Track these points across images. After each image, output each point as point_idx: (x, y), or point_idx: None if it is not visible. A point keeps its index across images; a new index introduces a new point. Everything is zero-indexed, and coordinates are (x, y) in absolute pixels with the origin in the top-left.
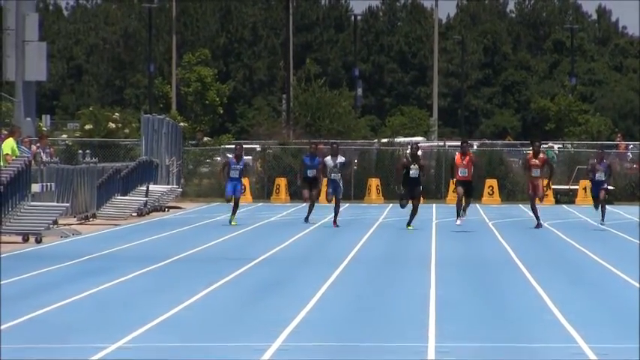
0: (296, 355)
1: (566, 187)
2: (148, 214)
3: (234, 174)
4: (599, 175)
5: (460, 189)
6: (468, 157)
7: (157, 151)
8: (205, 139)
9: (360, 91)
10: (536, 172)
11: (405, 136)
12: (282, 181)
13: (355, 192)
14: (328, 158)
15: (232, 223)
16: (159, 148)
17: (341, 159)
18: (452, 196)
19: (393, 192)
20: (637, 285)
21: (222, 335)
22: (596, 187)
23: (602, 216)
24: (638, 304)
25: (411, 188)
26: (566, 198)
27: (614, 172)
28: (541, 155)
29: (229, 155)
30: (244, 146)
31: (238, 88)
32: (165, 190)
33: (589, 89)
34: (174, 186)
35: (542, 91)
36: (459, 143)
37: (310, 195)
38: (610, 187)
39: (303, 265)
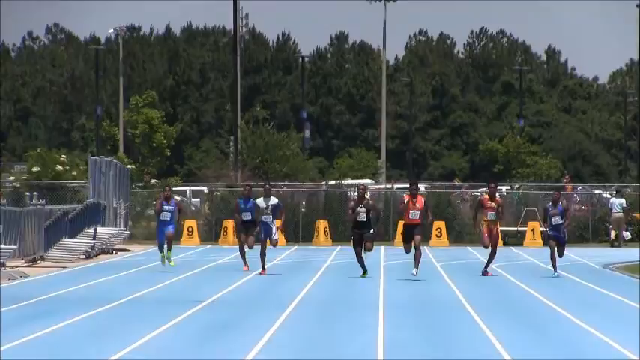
0: None
1: (514, 229)
2: (95, 256)
3: (165, 216)
4: (556, 220)
5: (407, 246)
6: (417, 199)
7: (104, 194)
8: (153, 181)
9: (307, 133)
10: (491, 216)
11: (353, 179)
12: (229, 224)
13: (303, 234)
14: (260, 200)
15: (171, 263)
16: (106, 191)
17: (273, 201)
18: (400, 238)
19: (342, 234)
20: (587, 328)
21: None
22: (554, 231)
23: (554, 266)
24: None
25: (359, 232)
26: (514, 240)
27: (569, 216)
28: (497, 197)
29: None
30: (192, 188)
31: (186, 130)
32: (112, 232)
33: (537, 130)
34: (122, 228)
35: (491, 132)
36: (407, 185)
37: (247, 240)
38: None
39: (252, 307)
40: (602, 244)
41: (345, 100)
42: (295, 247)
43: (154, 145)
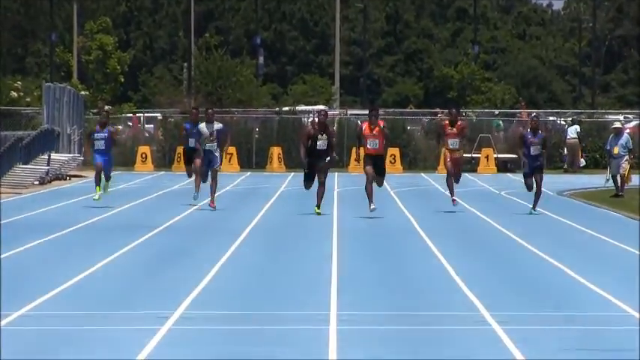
0: (198, 323)
1: (469, 155)
2: (49, 182)
3: (99, 145)
4: (535, 150)
5: (369, 169)
6: (377, 128)
7: (58, 120)
8: (106, 107)
9: (261, 59)
10: (454, 144)
11: (307, 105)
12: (182, 150)
13: (257, 160)
14: (202, 125)
15: (96, 197)
16: (60, 117)
17: (218, 126)
18: (354, 165)
19: (295, 160)
20: (539, 254)
21: (125, 304)
22: (532, 163)
23: (535, 202)
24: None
25: (315, 162)
26: (468, 167)
27: (545, 147)
28: (459, 123)
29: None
30: (146, 115)
31: (139, 56)
32: (66, 158)
33: (492, 57)
34: (76, 154)
35: (445, 59)
36: (360, 112)
37: (195, 168)
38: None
39: (205, 234)
40: (556, 171)
41: (299, 26)
42: (248, 173)
43: (108, 71)
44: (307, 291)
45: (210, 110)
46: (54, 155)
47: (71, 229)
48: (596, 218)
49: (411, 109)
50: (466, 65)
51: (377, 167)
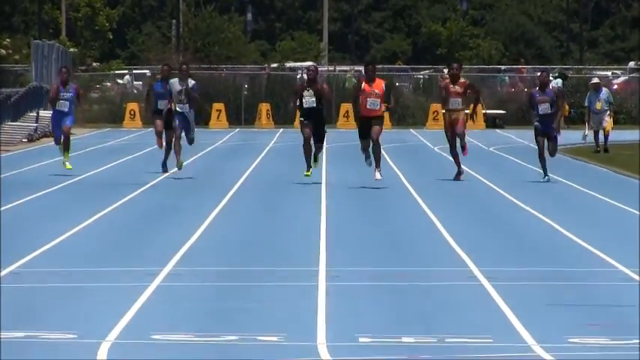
0: (187, 280)
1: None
2: (38, 139)
3: (62, 105)
4: (544, 108)
5: (365, 133)
6: (375, 84)
7: (47, 77)
8: (95, 64)
9: (249, 16)
10: (455, 103)
11: (296, 61)
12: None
13: (246, 117)
14: (175, 81)
15: (67, 166)
16: (49, 74)
17: (191, 83)
18: (343, 121)
19: (284, 117)
20: (526, 208)
21: (114, 260)
22: (543, 124)
23: (545, 169)
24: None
25: (308, 121)
26: None
27: (561, 103)
28: (462, 80)
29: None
30: (134, 72)
31: (128, 13)
32: None
33: (480, 13)
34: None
35: (433, 15)
36: (348, 67)
37: (168, 134)
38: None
39: (194, 190)
40: None
41: None
42: (237, 129)
43: (97, 28)
44: (296, 247)
45: (184, 66)
46: (42, 112)
47: (59, 186)
48: (585, 175)
49: (399, 65)
50: (454, 21)
51: (373, 127)
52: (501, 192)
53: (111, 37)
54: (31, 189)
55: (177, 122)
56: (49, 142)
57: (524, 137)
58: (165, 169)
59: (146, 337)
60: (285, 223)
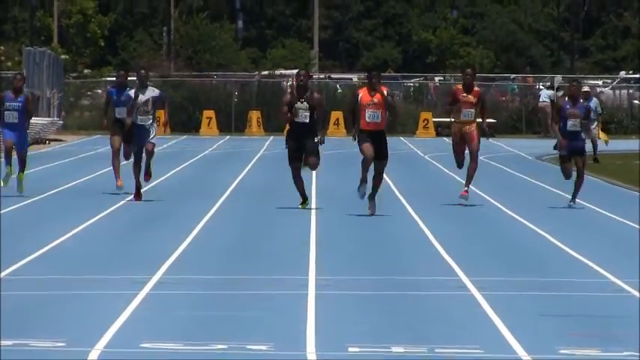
0: (176, 288)
1: (447, 119)
2: (28, 146)
3: (11, 117)
4: (573, 124)
5: (368, 146)
6: (379, 95)
7: (38, 84)
8: (86, 71)
9: (240, 23)
10: (468, 114)
11: (286, 69)
12: (161, 114)
13: (236, 124)
14: (134, 92)
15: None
16: (40, 81)
17: (154, 92)
18: (333, 129)
19: (275, 124)
20: (516, 217)
21: (103, 268)
22: (571, 142)
23: (575, 192)
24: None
25: (298, 140)
26: (446, 130)
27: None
28: (475, 88)
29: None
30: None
31: (119, 20)
32: (46, 122)
33: (470, 22)
34: (56, 118)
35: (424, 23)
36: (339, 76)
37: (113, 147)
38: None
39: (184, 197)
40: (535, 136)
41: None
42: (228, 137)
43: (88, 35)
44: (286, 255)
45: (143, 72)
46: (34, 119)
47: (49, 193)
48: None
49: (389, 73)
50: (445, 30)
51: (377, 148)
52: (492, 201)
53: (102, 44)
54: (20, 196)
55: (135, 148)
56: (40, 148)
57: (515, 146)
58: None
59: (135, 345)
60: (274, 231)
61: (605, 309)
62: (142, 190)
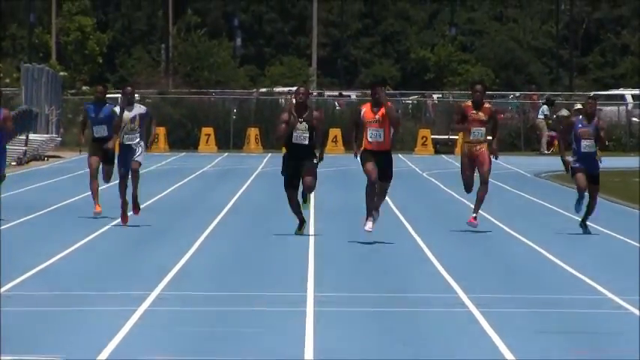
0: (175, 304)
1: (445, 137)
2: (27, 163)
3: None
4: (587, 145)
5: (372, 167)
6: (383, 111)
7: (36, 100)
8: (84, 87)
9: (239, 41)
10: (478, 134)
11: (285, 86)
12: (160, 131)
13: (234, 141)
14: (118, 109)
15: None
16: (39, 98)
17: (141, 110)
18: (331, 146)
19: (273, 141)
20: (512, 233)
21: (101, 284)
22: (585, 163)
23: (587, 214)
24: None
25: (296, 163)
26: (445, 148)
27: (606, 134)
28: (486, 105)
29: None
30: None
31: (118, 37)
32: (44, 139)
33: (469, 39)
34: (54, 135)
35: (422, 41)
36: (337, 93)
37: (91, 170)
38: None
39: (183, 214)
40: (534, 153)
41: (277, 7)
42: (226, 154)
43: (86, 52)
44: (284, 272)
45: (128, 88)
46: (32, 135)
47: (48, 209)
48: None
49: (387, 90)
50: (443, 47)
51: (380, 168)
52: (489, 218)
53: (101, 61)
54: (18, 213)
55: (122, 170)
56: (38, 165)
57: (514, 164)
58: (96, 204)
59: None
60: (273, 247)
61: (600, 325)
62: (140, 206)
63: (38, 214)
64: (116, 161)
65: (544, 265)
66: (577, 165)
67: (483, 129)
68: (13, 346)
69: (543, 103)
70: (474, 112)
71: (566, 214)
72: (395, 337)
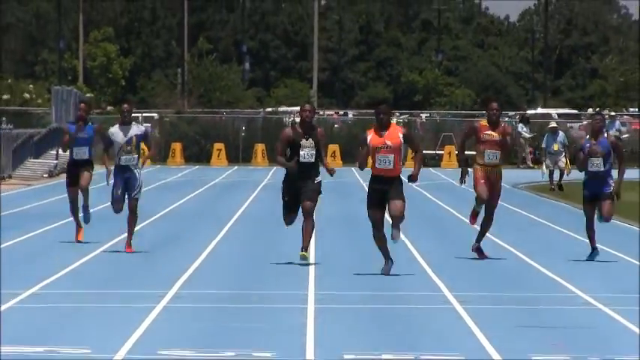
0: (190, 301)
1: (433, 152)
2: (57, 175)
3: None
4: (596, 163)
5: (375, 212)
6: (393, 135)
7: (65, 119)
8: (109, 108)
9: (247, 65)
10: (493, 156)
11: (288, 106)
12: (177, 146)
13: (243, 156)
14: (115, 129)
15: None
16: (67, 116)
17: (139, 129)
18: (329, 160)
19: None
20: (495, 240)
21: (123, 283)
22: (593, 184)
23: (593, 247)
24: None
25: (298, 182)
26: (433, 162)
27: (621, 158)
28: (502, 125)
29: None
30: (144, 114)
31: (138, 63)
32: None
33: (454, 64)
34: None
35: (412, 65)
36: (333, 112)
37: (71, 196)
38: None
39: (197, 221)
40: (511, 166)
41: (281, 36)
42: (235, 167)
43: (111, 75)
44: (288, 273)
45: (125, 105)
46: (61, 151)
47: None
48: (551, 209)
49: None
50: (430, 71)
51: (388, 191)
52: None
53: (123, 83)
54: (50, 219)
55: (118, 192)
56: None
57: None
58: (79, 226)
59: (153, 352)
60: (278, 251)
61: (574, 320)
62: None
63: (67, 220)
64: (111, 181)
65: (524, 267)
66: (586, 193)
67: (498, 152)
68: (46, 339)
69: (519, 121)
70: (489, 132)
71: (535, 218)
72: (388, 332)
